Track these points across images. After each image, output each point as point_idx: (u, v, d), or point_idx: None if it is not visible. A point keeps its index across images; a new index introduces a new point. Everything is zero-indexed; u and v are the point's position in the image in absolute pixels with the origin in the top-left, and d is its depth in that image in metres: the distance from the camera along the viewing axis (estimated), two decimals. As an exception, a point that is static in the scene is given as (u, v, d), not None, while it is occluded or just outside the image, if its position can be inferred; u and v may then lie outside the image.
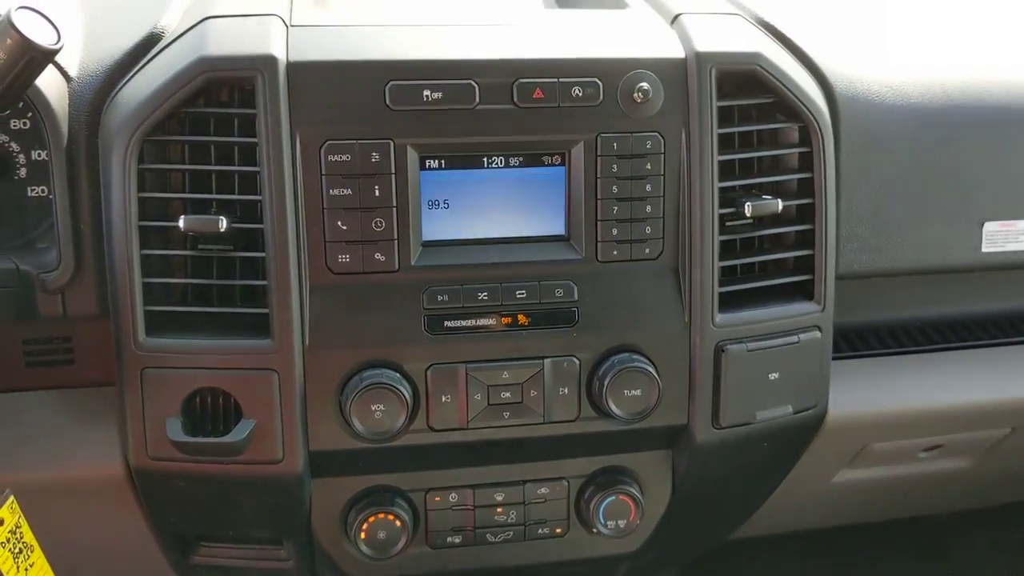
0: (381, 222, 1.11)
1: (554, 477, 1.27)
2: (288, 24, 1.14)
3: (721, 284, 1.19)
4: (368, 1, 1.34)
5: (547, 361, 1.15)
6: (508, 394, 1.15)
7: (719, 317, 1.19)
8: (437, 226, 1.15)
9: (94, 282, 1.16)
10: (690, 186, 1.17)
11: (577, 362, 1.16)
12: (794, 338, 1.23)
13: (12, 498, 1.10)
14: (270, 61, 1.07)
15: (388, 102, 1.09)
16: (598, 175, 1.14)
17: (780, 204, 1.20)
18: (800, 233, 1.25)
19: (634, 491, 1.26)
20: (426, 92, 1.10)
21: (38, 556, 1.12)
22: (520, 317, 1.15)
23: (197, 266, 1.13)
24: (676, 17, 1.22)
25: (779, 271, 1.27)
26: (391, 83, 1.09)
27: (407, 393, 1.11)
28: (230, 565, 1.33)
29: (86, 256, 1.15)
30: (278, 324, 1.10)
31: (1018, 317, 1.54)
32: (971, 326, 1.53)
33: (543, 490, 1.27)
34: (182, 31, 1.16)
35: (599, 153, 1.14)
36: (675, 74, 1.15)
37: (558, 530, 1.29)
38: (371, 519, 1.21)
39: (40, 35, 1.01)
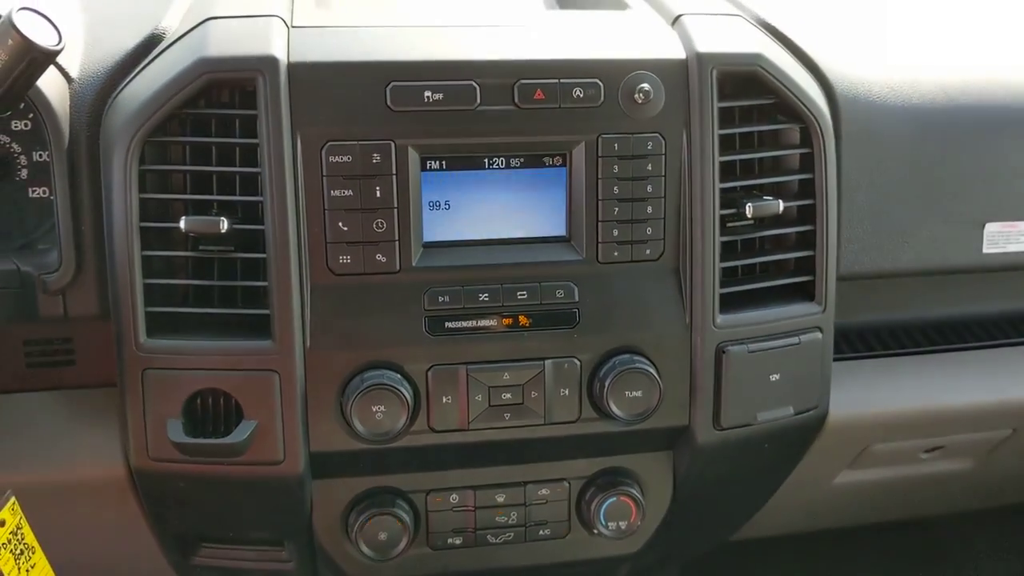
0: (382, 223, 1.11)
1: (555, 478, 1.27)
2: (289, 25, 1.14)
3: (722, 285, 1.19)
4: (369, 2, 1.34)
5: (548, 362, 1.15)
6: (509, 395, 1.15)
7: (720, 318, 1.19)
8: (438, 227, 1.14)
9: (95, 283, 1.16)
10: (691, 187, 1.17)
11: (578, 363, 1.16)
12: (795, 339, 1.23)
13: (13, 499, 1.10)
14: (271, 62, 1.07)
15: (389, 103, 1.09)
16: (599, 176, 1.14)
17: (781, 205, 1.20)
18: (801, 234, 1.25)
19: (635, 492, 1.26)
20: (427, 93, 1.10)
21: (39, 557, 1.12)
22: (521, 318, 1.15)
23: (198, 267, 1.13)
24: (677, 18, 1.22)
25: (780, 272, 1.27)
26: (392, 84, 1.09)
27: (408, 394, 1.11)
28: (231, 566, 1.33)
29: (87, 257, 1.15)
30: (279, 325, 1.10)
31: (1019, 318, 1.54)
32: (972, 327, 1.53)
33: (544, 491, 1.27)
34: (183, 32, 1.16)
35: (600, 154, 1.14)
36: (676, 75, 1.15)
37: (559, 531, 1.29)
38: (372, 520, 1.21)
39: (41, 36, 1.01)
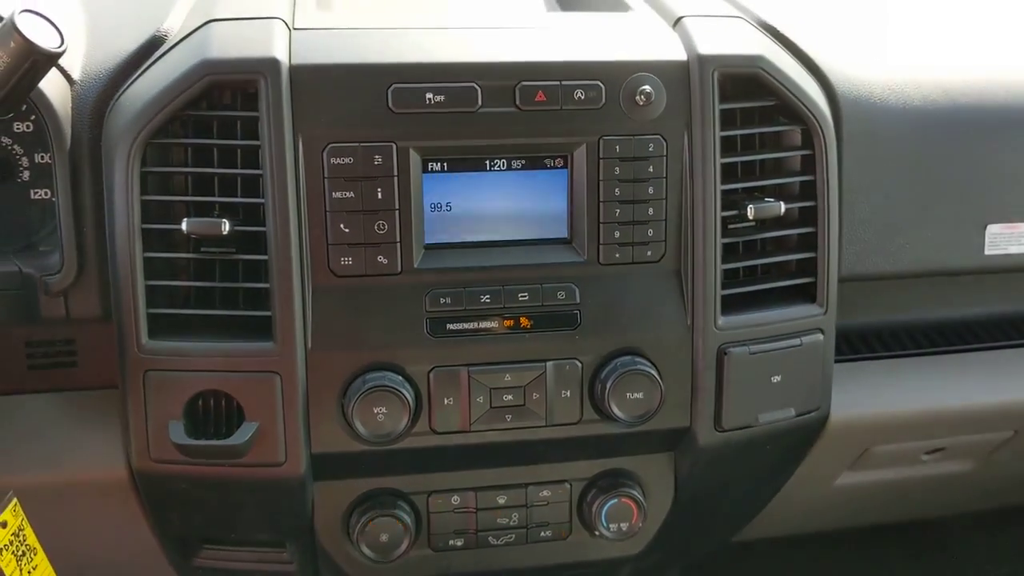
0: (383, 225, 1.11)
1: (556, 480, 1.27)
2: (291, 27, 1.14)
3: (723, 287, 1.19)
4: (370, 4, 1.34)
5: (549, 364, 1.15)
6: (510, 397, 1.15)
7: (721, 320, 1.19)
8: (439, 229, 1.15)
9: (97, 285, 1.16)
10: (692, 188, 1.17)
11: (579, 365, 1.16)
12: (796, 341, 1.23)
13: (15, 501, 1.10)
14: (273, 64, 1.07)
15: (391, 105, 1.09)
16: (600, 178, 1.14)
17: (782, 207, 1.20)
18: (802, 235, 1.25)
19: (636, 494, 1.26)
20: (428, 95, 1.10)
21: (41, 559, 1.12)
22: (522, 320, 1.15)
23: (200, 269, 1.13)
24: (678, 20, 1.22)
25: (781, 274, 1.27)
26: (393, 86, 1.09)
27: (409, 396, 1.11)
28: (233, 568, 1.33)
29: (89, 259, 1.15)
30: (280, 327, 1.10)
31: (1021, 320, 1.54)
32: (974, 329, 1.53)
33: (545, 493, 1.27)
34: (185, 34, 1.16)
35: (601, 156, 1.14)
36: (677, 77, 1.15)
37: (560, 533, 1.29)
38: (373, 521, 1.21)
39: (43, 38, 1.02)
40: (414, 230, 1.12)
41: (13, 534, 1.09)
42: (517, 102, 1.11)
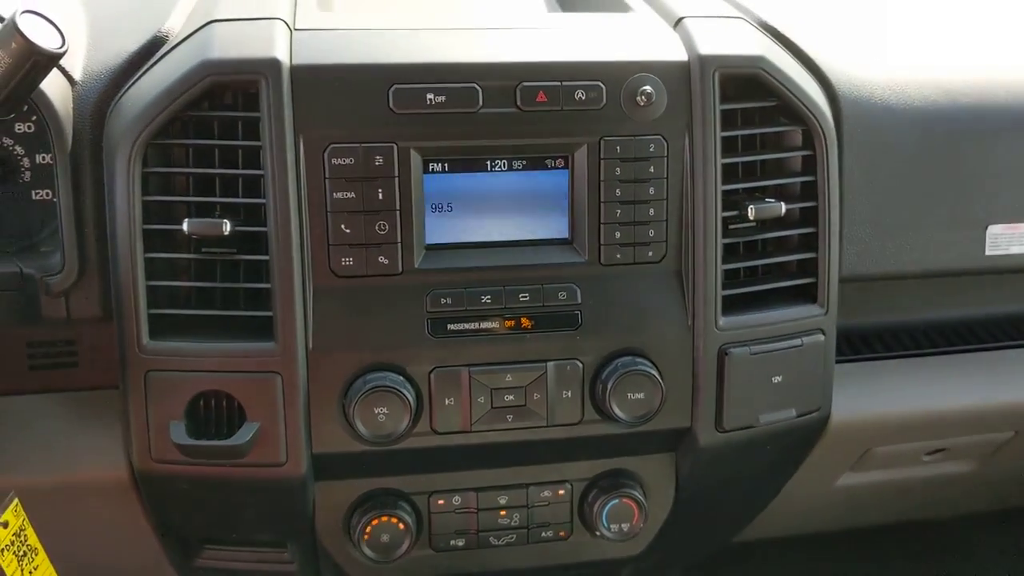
0: (384, 225, 1.11)
1: (557, 480, 1.27)
2: (292, 28, 1.14)
3: (724, 287, 1.19)
4: (371, 5, 1.34)
5: (550, 364, 1.15)
6: (511, 397, 1.15)
7: (722, 320, 1.19)
8: (440, 229, 1.15)
9: (98, 285, 1.16)
10: (693, 189, 1.17)
11: (580, 365, 1.16)
12: (797, 341, 1.23)
13: (16, 501, 1.10)
14: (274, 65, 1.08)
15: (391, 105, 1.09)
16: (601, 178, 1.14)
17: (783, 207, 1.20)
18: (803, 236, 1.25)
19: (637, 494, 1.26)
20: (429, 96, 1.10)
21: (42, 559, 1.13)
22: (523, 320, 1.15)
23: (201, 269, 1.13)
24: (679, 20, 1.22)
25: (782, 274, 1.27)
26: (394, 87, 1.09)
27: (410, 396, 1.11)
28: (234, 568, 1.33)
29: (90, 259, 1.15)
30: (282, 327, 1.10)
31: (1022, 320, 1.54)
32: (975, 329, 1.53)
33: (546, 493, 1.27)
34: (186, 35, 1.16)
35: (602, 156, 1.14)
36: (678, 77, 1.15)
37: (561, 533, 1.29)
38: (374, 522, 1.21)
39: (44, 39, 1.02)
40: (415, 230, 1.13)
41: (14, 534, 1.09)
42: (518, 103, 1.12)
